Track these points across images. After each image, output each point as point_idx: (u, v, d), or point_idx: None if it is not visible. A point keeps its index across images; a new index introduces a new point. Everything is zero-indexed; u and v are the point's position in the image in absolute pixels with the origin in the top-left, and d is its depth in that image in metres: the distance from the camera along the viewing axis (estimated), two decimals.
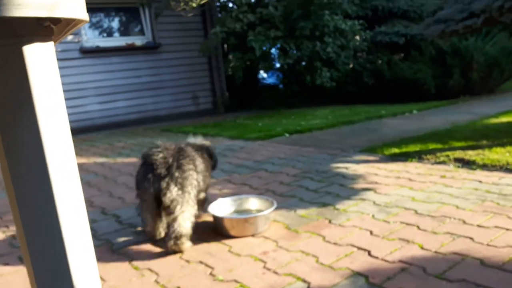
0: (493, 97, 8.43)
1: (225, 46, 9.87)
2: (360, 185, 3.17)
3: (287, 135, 5.87)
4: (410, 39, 9.14)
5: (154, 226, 2.36)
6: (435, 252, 1.97)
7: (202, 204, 2.62)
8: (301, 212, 2.68)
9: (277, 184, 3.39)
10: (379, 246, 2.08)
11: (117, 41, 8.24)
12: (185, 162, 2.24)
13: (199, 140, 2.82)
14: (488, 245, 1.99)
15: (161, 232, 2.39)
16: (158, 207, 2.24)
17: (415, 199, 2.74)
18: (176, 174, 2.17)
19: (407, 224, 2.35)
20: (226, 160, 4.48)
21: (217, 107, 9.16)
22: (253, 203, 2.63)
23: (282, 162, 4.16)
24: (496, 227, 2.19)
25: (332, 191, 3.07)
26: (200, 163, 2.42)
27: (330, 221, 2.48)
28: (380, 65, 9.15)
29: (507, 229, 2.15)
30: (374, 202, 2.75)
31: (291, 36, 7.76)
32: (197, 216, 2.38)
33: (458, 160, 3.61)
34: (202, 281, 1.89)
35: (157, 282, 1.93)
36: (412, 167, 3.58)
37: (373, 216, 2.51)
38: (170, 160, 2.19)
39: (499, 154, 3.58)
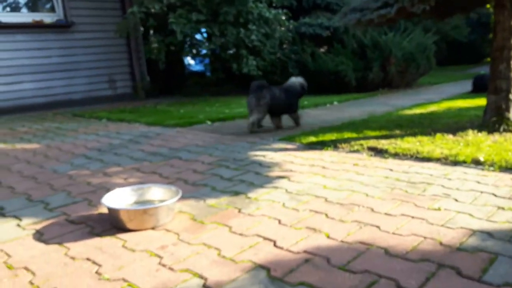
0: (410, 91, 8.88)
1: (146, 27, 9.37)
2: (275, 173, 3.07)
3: (209, 122, 5.66)
4: (333, 31, 9.31)
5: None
6: (341, 241, 1.90)
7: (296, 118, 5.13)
8: (211, 201, 2.51)
9: (190, 172, 3.18)
10: (285, 236, 1.97)
11: (23, 17, 7.45)
12: (265, 90, 4.69)
13: (299, 79, 5.19)
14: (393, 233, 1.96)
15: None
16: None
17: (326, 187, 2.69)
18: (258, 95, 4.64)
19: (316, 212, 2.27)
20: (139, 147, 4.18)
21: (136, 92, 8.69)
22: (156, 192, 2.40)
23: (200, 150, 3.95)
24: (402, 215, 2.18)
25: (247, 179, 2.94)
26: (278, 93, 4.82)
27: (239, 211, 2.34)
28: (305, 56, 9.23)
29: (413, 217, 2.14)
30: (286, 190, 2.66)
31: (214, 20, 7.53)
32: (263, 118, 4.78)
33: (371, 149, 3.65)
34: (85, 280, 1.65)
35: (31, 283, 1.65)
36: (327, 155, 3.56)
37: (283, 204, 2.41)
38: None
39: (410, 143, 3.67)
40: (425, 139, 3.81)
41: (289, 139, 4.24)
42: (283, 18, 8.31)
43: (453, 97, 7.12)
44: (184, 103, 8.38)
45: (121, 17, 8.39)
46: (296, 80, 5.15)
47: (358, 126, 4.61)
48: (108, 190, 2.77)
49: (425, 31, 10.08)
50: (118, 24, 7.79)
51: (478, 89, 7.41)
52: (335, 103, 7.29)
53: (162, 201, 2.32)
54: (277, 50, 9.11)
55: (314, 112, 6.40)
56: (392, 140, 3.83)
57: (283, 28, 8.49)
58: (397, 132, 4.23)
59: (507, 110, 3.99)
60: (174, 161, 3.55)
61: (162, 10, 6.99)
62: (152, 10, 6.96)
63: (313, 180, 2.86)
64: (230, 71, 9.08)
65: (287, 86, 5.04)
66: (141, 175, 3.16)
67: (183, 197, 2.55)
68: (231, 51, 8.34)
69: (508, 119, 3.98)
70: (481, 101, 6.25)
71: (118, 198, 2.30)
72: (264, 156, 3.59)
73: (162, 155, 3.79)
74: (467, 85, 8.42)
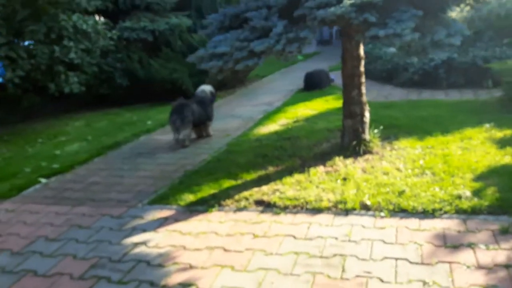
0: (245, 91, 8.97)
1: None
2: (173, 277, 2.57)
3: (43, 180, 4.59)
4: (159, 35, 8.69)
5: (174, 135, 5.19)
6: None
7: (205, 128, 5.56)
8: None
9: None
10: None
11: None
12: (185, 109, 5.09)
13: (207, 87, 5.68)
14: None
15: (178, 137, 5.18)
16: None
17: None
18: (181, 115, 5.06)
19: None
20: None
21: None
22: None
23: (55, 247, 3.09)
24: None
25: None
26: (195, 107, 5.24)
27: None
28: (132, 64, 8.41)
29: None
30: None
31: (18, 41, 6.12)
32: (191, 133, 5.34)
33: (259, 203, 3.43)
34: None
35: None
36: (216, 223, 3.19)
37: None
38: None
39: (292, 188, 3.57)
40: (301, 177, 3.76)
41: (162, 200, 3.69)
42: (103, 28, 7.29)
43: (291, 100, 7.40)
44: None
45: None
46: (205, 89, 5.60)
47: (228, 165, 4.32)
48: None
49: None
50: None
51: (309, 86, 7.92)
52: None
53: None
54: (98, 60, 8.04)
55: (164, 138, 5.84)
56: (273, 186, 3.67)
57: (103, 40, 7.47)
58: (270, 169, 4.09)
59: (363, 132, 4.24)
60: (28, 282, 2.68)
61: None
62: None
63: (224, 280, 2.48)
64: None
65: (200, 98, 5.45)
66: None
67: None
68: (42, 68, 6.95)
69: (365, 140, 4.24)
70: (318, 105, 6.69)
71: None
72: (146, 243, 3.00)
73: (6, 271, 2.83)
74: (295, 79, 8.94)
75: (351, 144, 4.19)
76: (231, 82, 9.07)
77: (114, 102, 8.71)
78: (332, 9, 3.20)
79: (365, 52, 8.93)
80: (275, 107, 6.93)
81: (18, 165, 5.25)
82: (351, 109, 4.20)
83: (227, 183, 3.86)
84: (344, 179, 3.63)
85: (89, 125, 7.28)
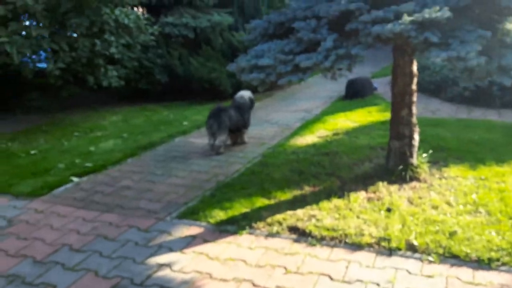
0: (283, 94, 8.70)
1: None
2: None
3: (75, 179, 4.54)
4: (200, 32, 8.55)
5: (210, 140, 5.06)
6: None
7: (241, 135, 5.41)
8: None
9: None
10: None
11: None
12: (223, 114, 4.99)
13: (246, 93, 5.51)
14: None
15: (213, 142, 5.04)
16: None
17: None
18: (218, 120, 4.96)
19: None
20: None
21: None
22: None
23: (78, 260, 2.98)
24: None
25: None
26: (233, 113, 5.14)
27: None
28: (171, 60, 8.33)
29: None
30: None
31: (61, 33, 6.11)
32: (227, 140, 5.19)
33: (292, 229, 3.19)
34: None
35: None
36: (246, 249, 2.99)
37: None
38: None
39: (330, 216, 3.31)
40: (341, 203, 3.49)
41: (191, 215, 3.52)
42: (145, 23, 7.21)
43: (331, 108, 7.08)
44: (31, 130, 6.82)
45: None
46: (244, 95, 5.47)
47: (262, 180, 4.10)
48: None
49: None
50: None
51: (351, 94, 7.57)
52: None
53: None
54: (139, 55, 8.00)
55: (199, 141, 5.69)
56: (309, 210, 3.42)
57: (144, 35, 7.40)
58: (306, 188, 3.84)
59: (411, 156, 3.91)
60: None
61: None
62: None
63: None
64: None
65: (239, 104, 5.34)
66: None
67: None
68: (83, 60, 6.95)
69: (412, 165, 3.91)
70: (360, 116, 6.35)
71: None
72: (170, 266, 2.83)
73: (25, 283, 2.74)
74: (336, 85, 8.56)
75: (396, 169, 3.87)
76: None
77: (152, 98, 8.69)
78: (390, 25, 2.89)
79: None
80: (313, 115, 6.64)
81: (53, 160, 5.24)
82: (399, 130, 3.88)
83: (260, 202, 3.64)
84: (388, 210, 3.34)
85: (126, 121, 7.25)
